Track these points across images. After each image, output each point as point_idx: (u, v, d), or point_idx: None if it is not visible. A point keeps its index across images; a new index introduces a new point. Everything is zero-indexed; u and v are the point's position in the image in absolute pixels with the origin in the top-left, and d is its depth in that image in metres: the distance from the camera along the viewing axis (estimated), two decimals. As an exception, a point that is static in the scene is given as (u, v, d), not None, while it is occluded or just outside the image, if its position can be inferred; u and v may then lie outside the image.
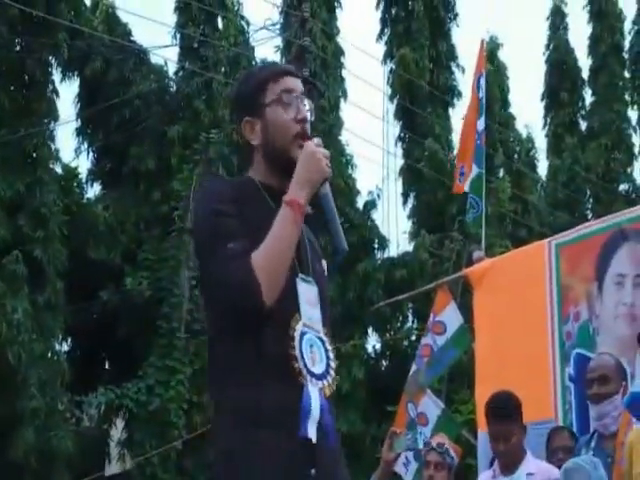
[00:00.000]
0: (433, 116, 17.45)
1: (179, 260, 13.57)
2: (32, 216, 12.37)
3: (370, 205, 16.17)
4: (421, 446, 5.28)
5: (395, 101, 17.62)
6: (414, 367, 6.74)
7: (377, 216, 16.48)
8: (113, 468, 13.29)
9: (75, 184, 14.09)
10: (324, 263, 2.41)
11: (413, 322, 15.74)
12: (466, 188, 7.35)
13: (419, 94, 17.38)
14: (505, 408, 4.40)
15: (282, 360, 2.17)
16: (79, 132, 15.08)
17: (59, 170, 13.75)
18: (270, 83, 2.36)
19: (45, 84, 13.67)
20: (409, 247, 16.28)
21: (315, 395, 2.18)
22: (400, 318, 15.73)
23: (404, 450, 4.88)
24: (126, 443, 13.08)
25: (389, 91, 17.70)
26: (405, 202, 17.40)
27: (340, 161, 16.18)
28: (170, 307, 13.30)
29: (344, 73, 17.10)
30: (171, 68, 15.74)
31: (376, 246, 16.05)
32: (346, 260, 15.50)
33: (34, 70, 13.26)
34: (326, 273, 2.41)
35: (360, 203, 16.25)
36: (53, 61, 13.98)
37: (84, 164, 15.20)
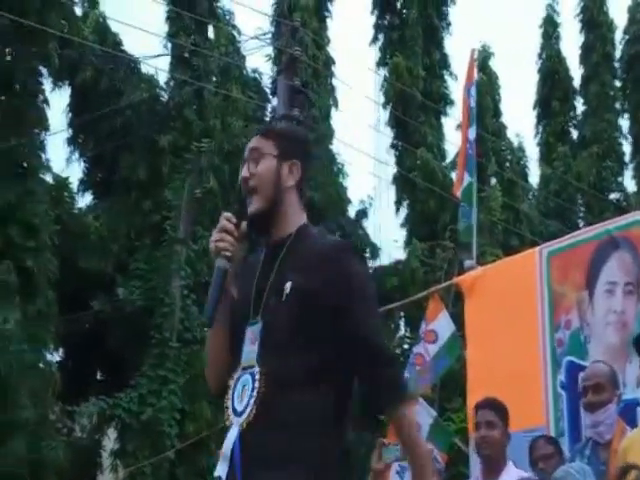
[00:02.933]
0: (426, 125, 17.51)
1: (171, 269, 13.56)
2: (23, 226, 12.31)
3: (361, 214, 16.21)
4: None
5: (388, 109, 17.68)
6: (406, 376, 6.75)
7: (368, 225, 16.53)
8: (105, 478, 13.24)
9: (66, 194, 14.04)
10: (288, 285, 2.36)
11: (405, 330, 15.76)
12: (459, 195, 7.36)
13: (412, 102, 17.44)
14: (491, 400, 4.47)
15: (225, 410, 2.38)
16: (70, 142, 15.05)
17: (50, 180, 13.70)
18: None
19: (36, 93, 13.62)
20: (401, 256, 16.31)
21: (232, 434, 2.31)
22: (392, 326, 15.73)
23: (393, 461, 4.87)
24: (118, 453, 13.03)
25: (381, 99, 17.78)
26: (398, 210, 17.46)
27: (331, 170, 16.22)
28: (162, 317, 13.28)
29: (335, 82, 17.18)
30: (162, 77, 15.76)
31: (368, 255, 16.06)
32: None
33: (24, 79, 13.22)
34: (288, 292, 2.38)
35: (352, 212, 16.29)
36: (44, 70, 13.95)
37: (75, 174, 15.18)
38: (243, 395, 2.32)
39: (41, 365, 11.69)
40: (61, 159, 15.58)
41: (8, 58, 13.58)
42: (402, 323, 15.86)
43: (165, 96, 15.67)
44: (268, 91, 16.49)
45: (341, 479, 2.34)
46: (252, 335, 2.35)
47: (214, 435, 11.96)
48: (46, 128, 13.75)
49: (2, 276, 11.29)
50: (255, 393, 2.30)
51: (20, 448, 10.43)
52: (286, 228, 2.44)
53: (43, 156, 13.47)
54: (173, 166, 14.40)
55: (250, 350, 2.34)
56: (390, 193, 17.40)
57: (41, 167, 13.30)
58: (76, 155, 15.04)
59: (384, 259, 16.38)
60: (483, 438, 4.42)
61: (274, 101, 15.69)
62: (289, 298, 2.34)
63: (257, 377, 2.31)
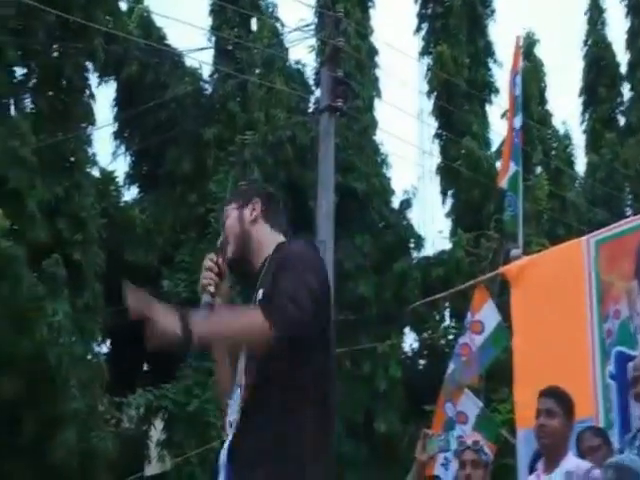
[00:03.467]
0: (470, 114, 17.35)
1: (216, 262, 13.59)
2: (71, 220, 12.48)
3: (405, 204, 16.13)
4: (454, 447, 5.26)
5: (432, 99, 17.55)
6: (452, 366, 6.72)
7: (413, 215, 16.46)
8: (153, 468, 13.37)
9: (112, 187, 14.19)
10: (260, 293, 2.57)
11: (450, 321, 15.67)
12: (503, 185, 7.30)
13: (456, 91, 17.30)
14: (554, 389, 4.43)
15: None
16: (116, 136, 15.23)
17: (97, 174, 13.86)
18: None
19: (82, 89, 13.80)
20: (445, 246, 16.22)
21: (225, 446, 2.54)
22: (437, 317, 15.66)
23: (436, 452, 4.86)
24: (165, 444, 13.16)
25: (425, 88, 17.66)
26: (443, 201, 17.34)
27: (375, 161, 16.16)
28: (207, 309, 13.33)
29: (378, 72, 17.10)
30: (206, 71, 15.86)
31: (412, 245, 15.99)
32: (382, 260, 15.47)
33: (71, 75, 13.39)
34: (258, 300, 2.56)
35: (395, 203, 16.23)
36: (90, 66, 14.12)
37: (121, 167, 15.37)
38: (234, 409, 2.55)
39: (89, 357, 11.85)
40: (107, 153, 15.78)
41: (55, 54, 13.76)
42: (447, 313, 15.77)
43: (209, 89, 15.78)
44: (311, 82, 16.48)
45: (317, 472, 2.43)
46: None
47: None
48: (92, 123, 13.93)
49: (51, 269, 11.45)
50: (240, 403, 2.52)
51: (70, 439, 10.59)
52: (263, 255, 2.68)
53: (90, 150, 13.68)
54: (217, 159, 14.48)
55: (241, 366, 2.59)
56: (434, 183, 17.30)
57: (88, 161, 13.49)
58: (122, 149, 15.25)
59: (429, 250, 16.31)
60: (542, 426, 4.35)
61: (317, 92, 15.68)
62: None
63: (242, 389, 2.53)
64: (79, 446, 10.64)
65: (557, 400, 4.39)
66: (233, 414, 2.54)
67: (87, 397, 11.01)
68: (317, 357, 2.46)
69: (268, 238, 2.70)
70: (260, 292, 2.55)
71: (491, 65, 18.23)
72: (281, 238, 2.71)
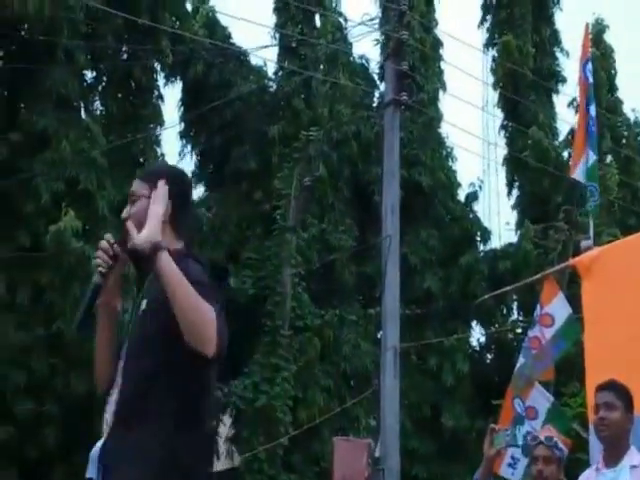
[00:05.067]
0: (537, 104, 17.11)
1: (281, 258, 13.69)
2: (141, 220, 12.64)
3: (471, 197, 15.99)
4: (520, 442, 5.16)
5: (497, 90, 17.36)
6: (521, 360, 6.61)
7: (479, 208, 16.30)
8: (221, 464, 13.51)
9: (180, 187, 14.32)
10: (144, 303, 2.60)
11: (518, 314, 15.50)
12: (576, 176, 7.17)
13: (522, 81, 17.08)
14: (612, 382, 4.35)
15: None
16: (182, 135, 15.42)
17: (164, 174, 13.99)
18: None
19: (151, 90, 14.03)
20: (512, 238, 16.03)
21: (100, 442, 2.59)
22: (504, 310, 15.50)
23: (503, 446, 4.79)
24: (234, 439, 13.29)
25: (490, 80, 17.47)
26: (509, 192, 17.14)
27: (440, 154, 16.06)
28: (273, 305, 13.43)
29: (442, 65, 16.98)
30: (270, 68, 15.93)
31: (478, 238, 15.85)
32: (449, 253, 15.38)
33: (140, 77, 13.62)
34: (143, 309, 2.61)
35: (461, 196, 16.10)
36: (157, 67, 14.32)
37: (188, 166, 15.53)
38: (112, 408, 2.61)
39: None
40: (174, 152, 15.96)
41: (124, 57, 14.00)
42: (515, 307, 15.59)
43: (274, 86, 15.85)
44: (376, 77, 16.44)
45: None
46: (122, 352, 2.65)
47: (327, 422, 12.06)
48: (161, 123, 14.15)
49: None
50: (116, 407, 2.59)
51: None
52: None
53: (158, 150, 13.87)
54: (282, 155, 14.55)
55: (120, 365, 2.66)
56: (500, 175, 17.11)
57: (156, 161, 13.66)
58: (188, 148, 15.42)
59: (495, 242, 16.14)
60: (602, 420, 4.29)
61: (381, 87, 15.63)
62: (143, 317, 2.60)
63: (118, 391, 2.59)
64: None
65: (616, 393, 4.32)
66: (110, 413, 2.56)
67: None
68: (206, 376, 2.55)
69: (169, 243, 2.61)
70: (144, 302, 2.58)
71: (557, 54, 17.95)
72: (179, 245, 2.69)
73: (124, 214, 2.66)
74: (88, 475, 2.61)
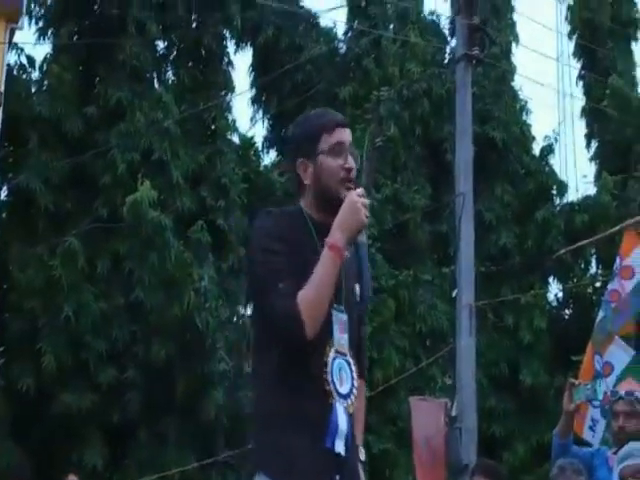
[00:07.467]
0: (615, 52, 16.63)
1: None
2: (214, 186, 12.97)
3: (547, 150, 15.73)
4: (601, 397, 5.11)
5: (573, 40, 16.93)
6: (601, 314, 6.54)
7: (554, 161, 16.02)
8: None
9: (252, 153, 14.57)
10: (357, 287, 2.66)
11: (597, 268, 15.27)
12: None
13: (599, 30, 16.61)
14: None
15: (317, 381, 2.50)
16: (254, 101, 15.58)
17: (236, 140, 14.28)
18: (324, 134, 2.65)
19: (221, 57, 14.23)
20: (590, 191, 15.75)
21: (341, 412, 2.51)
22: (582, 265, 15.28)
23: (583, 400, 4.72)
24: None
25: (566, 29, 17.02)
26: (588, 144, 16.78)
27: (514, 108, 15.83)
28: (348, 267, 13.58)
29: (515, 17, 16.63)
30: (340, 29, 15.90)
31: (554, 192, 15.62)
32: (524, 209, 15.23)
33: (210, 44, 13.83)
34: (359, 297, 2.67)
35: (536, 150, 15.86)
36: (227, 34, 14.49)
37: (260, 132, 15.70)
38: (342, 379, 2.55)
39: (235, 319, 12.39)
40: (246, 119, 16.15)
41: (194, 25, 14.22)
42: (593, 260, 15.36)
43: (343, 48, 15.83)
44: (447, 33, 16.23)
45: None
46: (341, 323, 2.58)
47: (403, 382, 12.25)
48: (231, 90, 14.36)
49: (196, 236, 12.00)
50: (356, 384, 2.59)
51: (218, 399, 11.18)
52: None
53: (230, 117, 14.10)
54: (353, 117, 14.54)
55: (342, 337, 2.57)
56: (577, 127, 16.75)
57: (228, 128, 13.93)
58: (260, 114, 15.58)
59: (572, 196, 15.88)
60: None
61: (452, 42, 15.43)
62: (357, 301, 2.67)
63: (353, 369, 2.59)
64: (227, 406, 11.22)
65: None
66: (342, 386, 2.54)
67: (234, 358, 11.56)
68: None
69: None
70: (357, 287, 2.67)
71: (636, 0, 17.33)
72: None
73: (352, 163, 2.63)
74: (337, 450, 2.48)
